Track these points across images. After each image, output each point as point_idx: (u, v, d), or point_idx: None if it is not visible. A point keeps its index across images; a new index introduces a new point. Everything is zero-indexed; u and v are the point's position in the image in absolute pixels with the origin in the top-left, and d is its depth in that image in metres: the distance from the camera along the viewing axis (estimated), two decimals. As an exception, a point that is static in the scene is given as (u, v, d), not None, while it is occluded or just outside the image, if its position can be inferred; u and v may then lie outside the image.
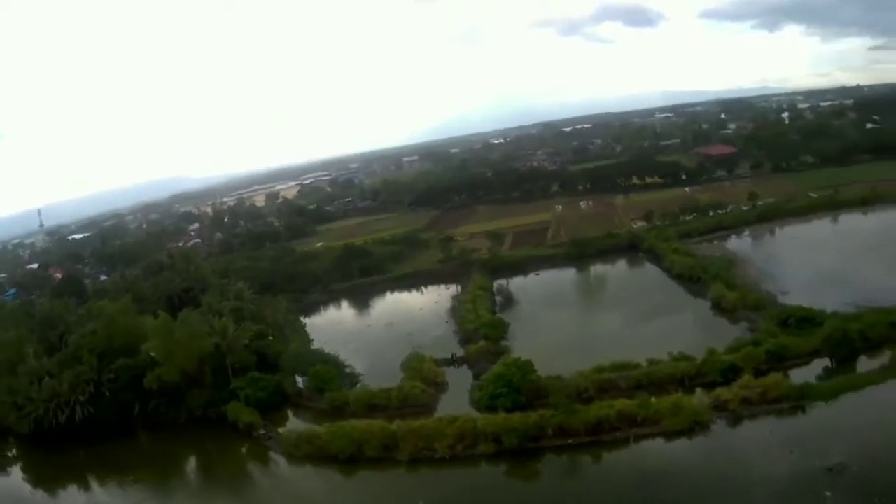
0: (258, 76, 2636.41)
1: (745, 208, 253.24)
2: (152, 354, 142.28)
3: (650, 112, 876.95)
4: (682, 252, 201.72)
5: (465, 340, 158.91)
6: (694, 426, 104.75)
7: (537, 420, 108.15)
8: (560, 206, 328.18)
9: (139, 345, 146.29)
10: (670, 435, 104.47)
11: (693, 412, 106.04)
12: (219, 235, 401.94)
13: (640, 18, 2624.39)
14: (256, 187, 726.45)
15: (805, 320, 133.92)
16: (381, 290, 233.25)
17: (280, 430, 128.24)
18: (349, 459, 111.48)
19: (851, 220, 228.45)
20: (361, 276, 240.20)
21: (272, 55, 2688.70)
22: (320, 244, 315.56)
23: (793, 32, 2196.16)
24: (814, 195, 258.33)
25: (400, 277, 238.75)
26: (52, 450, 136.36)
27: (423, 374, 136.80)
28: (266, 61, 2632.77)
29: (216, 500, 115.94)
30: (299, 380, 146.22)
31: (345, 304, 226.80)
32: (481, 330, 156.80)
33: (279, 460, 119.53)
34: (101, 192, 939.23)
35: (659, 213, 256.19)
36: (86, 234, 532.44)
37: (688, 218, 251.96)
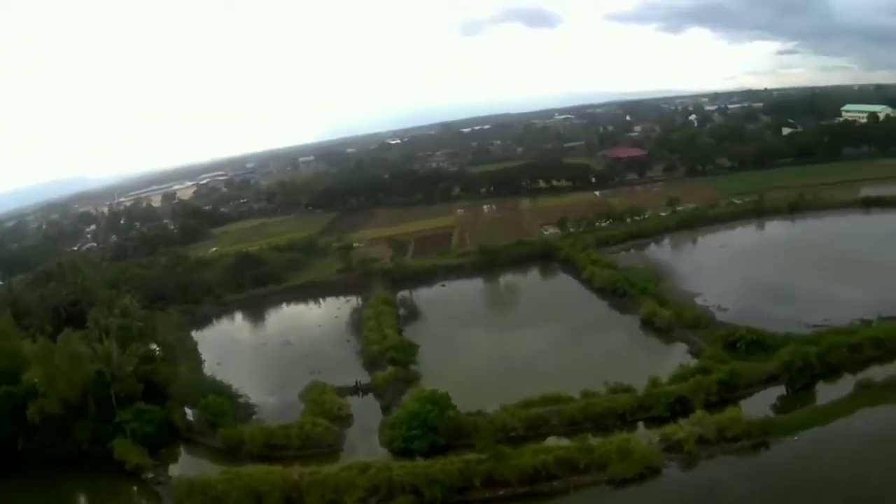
0: (161, 74, 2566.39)
1: (663, 214, 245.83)
2: (35, 382, 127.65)
3: (549, 113, 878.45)
4: (602, 263, 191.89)
5: (370, 364, 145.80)
6: (645, 471, 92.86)
7: (462, 468, 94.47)
8: (462, 210, 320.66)
9: (21, 369, 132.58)
10: (618, 482, 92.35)
11: (643, 456, 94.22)
12: (114, 238, 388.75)
13: (543, 20, 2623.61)
14: (154, 187, 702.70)
15: (755, 343, 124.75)
16: (276, 301, 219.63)
17: (172, 471, 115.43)
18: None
19: (780, 228, 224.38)
20: (256, 285, 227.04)
21: (170, 53, 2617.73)
22: (214, 249, 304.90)
23: (698, 35, 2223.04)
24: (737, 201, 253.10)
25: (296, 288, 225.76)
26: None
27: (326, 408, 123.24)
28: (166, 59, 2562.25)
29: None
30: (190, 412, 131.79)
31: (238, 316, 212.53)
32: (388, 353, 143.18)
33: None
34: (2, 193, 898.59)
35: (572, 219, 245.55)
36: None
37: (603, 224, 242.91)
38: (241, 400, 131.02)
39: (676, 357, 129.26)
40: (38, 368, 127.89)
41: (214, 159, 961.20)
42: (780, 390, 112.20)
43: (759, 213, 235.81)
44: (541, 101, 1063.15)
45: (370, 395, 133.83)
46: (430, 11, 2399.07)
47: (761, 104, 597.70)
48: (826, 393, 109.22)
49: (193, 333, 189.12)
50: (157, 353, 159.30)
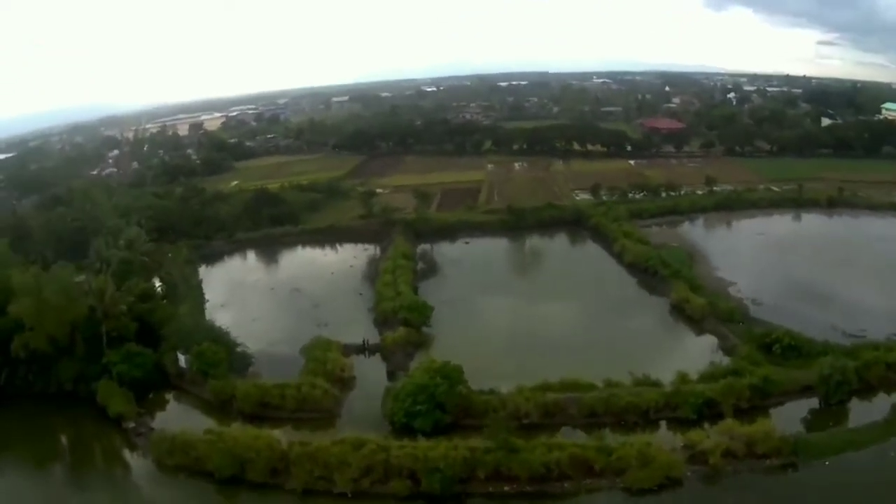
0: (205, 5, 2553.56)
1: (700, 193, 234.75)
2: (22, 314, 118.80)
3: (588, 76, 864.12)
4: (634, 237, 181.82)
5: (381, 322, 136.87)
6: (664, 481, 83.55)
7: (467, 456, 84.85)
8: (492, 165, 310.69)
9: (11, 300, 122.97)
10: (635, 491, 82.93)
11: (665, 463, 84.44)
12: (135, 165, 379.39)
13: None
14: (182, 116, 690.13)
15: (792, 348, 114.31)
16: (291, 243, 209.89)
17: (158, 419, 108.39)
18: (230, 479, 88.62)
19: (818, 222, 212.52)
20: (272, 224, 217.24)
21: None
22: (235, 183, 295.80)
23: (740, 15, 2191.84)
24: (775, 188, 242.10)
25: (313, 231, 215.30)
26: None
27: (328, 367, 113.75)
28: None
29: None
30: (183, 358, 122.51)
31: (251, 256, 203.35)
32: (400, 312, 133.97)
33: (148, 465, 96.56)
34: (33, 113, 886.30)
35: (605, 186, 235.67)
36: (9, 155, 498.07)
37: (637, 196, 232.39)
38: (239, 349, 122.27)
39: (706, 351, 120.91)
40: (25, 300, 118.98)
41: (247, 93, 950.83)
42: (813, 402, 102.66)
43: (797, 203, 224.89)
44: (579, 63, 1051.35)
45: (377, 356, 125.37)
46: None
47: (800, 91, 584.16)
48: (860, 411, 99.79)
49: (202, 270, 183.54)
50: (159, 290, 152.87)
